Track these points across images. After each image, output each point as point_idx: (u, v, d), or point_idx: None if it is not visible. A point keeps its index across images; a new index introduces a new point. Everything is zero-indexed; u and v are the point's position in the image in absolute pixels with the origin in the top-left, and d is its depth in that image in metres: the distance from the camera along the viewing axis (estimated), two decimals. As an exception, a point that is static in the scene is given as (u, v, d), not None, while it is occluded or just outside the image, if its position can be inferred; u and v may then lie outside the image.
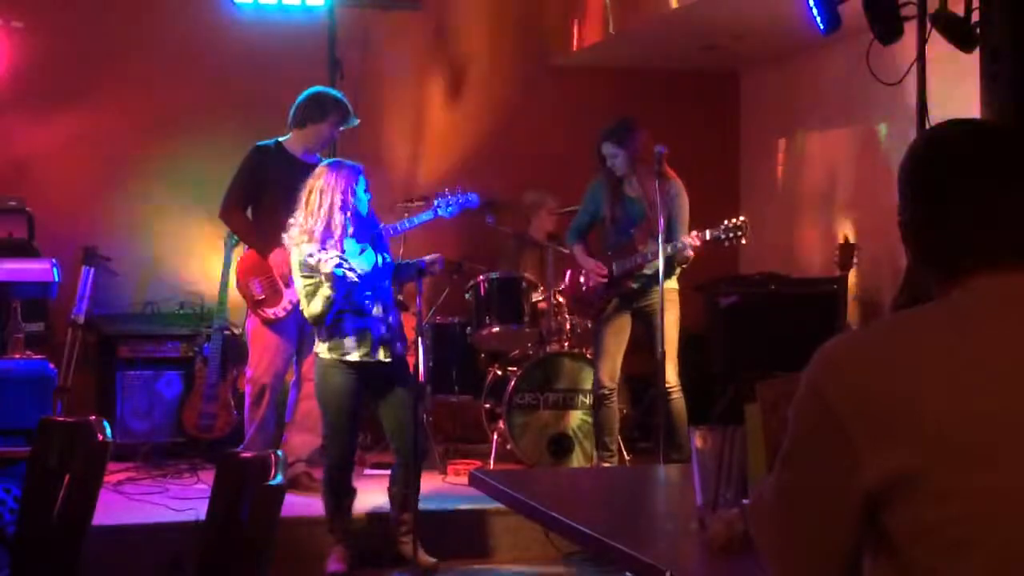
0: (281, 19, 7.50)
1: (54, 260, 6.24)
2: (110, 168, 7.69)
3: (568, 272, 6.76)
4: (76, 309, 7.29)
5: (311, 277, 5.19)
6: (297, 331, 6.27)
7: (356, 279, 5.15)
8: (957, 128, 1.75)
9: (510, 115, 8.47)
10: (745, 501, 2.19)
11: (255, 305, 6.27)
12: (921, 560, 1.55)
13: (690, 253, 6.04)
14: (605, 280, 6.33)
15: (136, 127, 7.70)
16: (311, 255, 5.16)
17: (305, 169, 6.30)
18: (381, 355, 5.28)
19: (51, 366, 5.59)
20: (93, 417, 2.96)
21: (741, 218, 5.99)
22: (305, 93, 6.31)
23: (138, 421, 7.19)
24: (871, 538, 1.61)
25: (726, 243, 6.03)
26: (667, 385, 6.16)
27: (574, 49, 8.37)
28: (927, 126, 4.67)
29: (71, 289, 7.17)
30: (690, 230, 6.12)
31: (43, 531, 2.90)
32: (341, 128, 6.32)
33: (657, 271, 5.98)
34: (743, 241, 6.00)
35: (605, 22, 7.93)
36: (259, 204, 6.31)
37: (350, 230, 5.23)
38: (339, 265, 5.12)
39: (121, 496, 6.15)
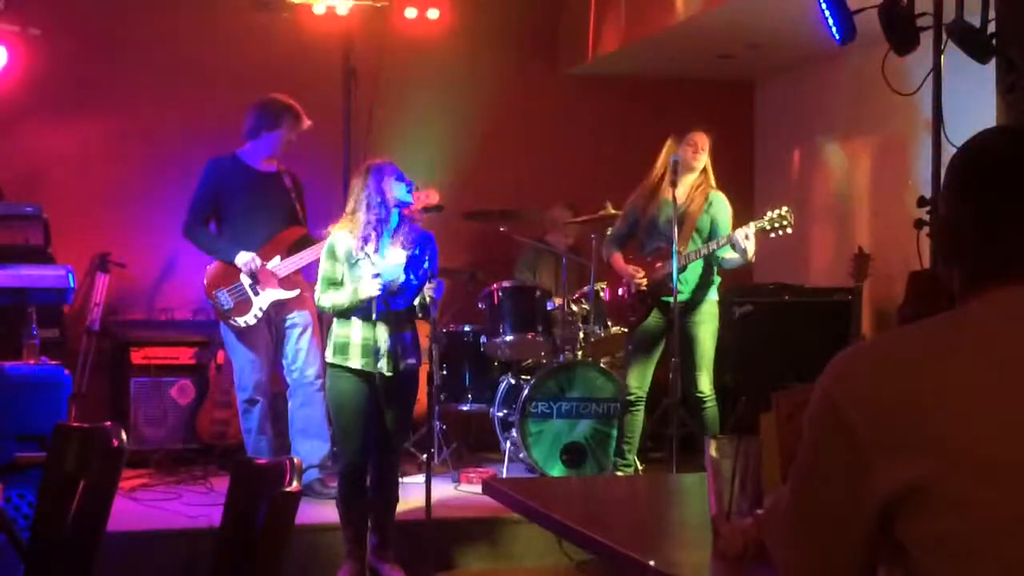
0: (298, 25, 7.51)
1: (69, 267, 6.26)
2: (126, 175, 7.71)
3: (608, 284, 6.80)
4: (91, 315, 7.31)
5: (334, 262, 5.19)
6: (272, 335, 6.26)
7: (378, 292, 5.15)
8: (1005, 133, 1.75)
9: (526, 123, 8.48)
10: (759, 511, 2.19)
11: (224, 316, 6.26)
12: (934, 570, 1.55)
13: (747, 250, 6.01)
14: (644, 282, 6.38)
15: (152, 134, 7.73)
16: (352, 253, 5.18)
17: (263, 178, 6.35)
18: (384, 367, 5.19)
19: (66, 372, 5.59)
20: (108, 423, 2.96)
21: (784, 208, 6.01)
22: (256, 103, 6.34)
23: (152, 428, 7.19)
24: (885, 549, 1.60)
25: (772, 234, 6.05)
26: (700, 394, 6.28)
27: (590, 58, 8.37)
28: (942, 137, 4.66)
29: (86, 296, 7.20)
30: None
31: (57, 537, 2.90)
32: (295, 132, 6.34)
33: (695, 284, 6.26)
34: (789, 231, 6.00)
35: (621, 31, 7.94)
36: (220, 216, 6.36)
37: (382, 237, 5.22)
38: (379, 296, 5.14)
39: (135, 503, 6.16)
